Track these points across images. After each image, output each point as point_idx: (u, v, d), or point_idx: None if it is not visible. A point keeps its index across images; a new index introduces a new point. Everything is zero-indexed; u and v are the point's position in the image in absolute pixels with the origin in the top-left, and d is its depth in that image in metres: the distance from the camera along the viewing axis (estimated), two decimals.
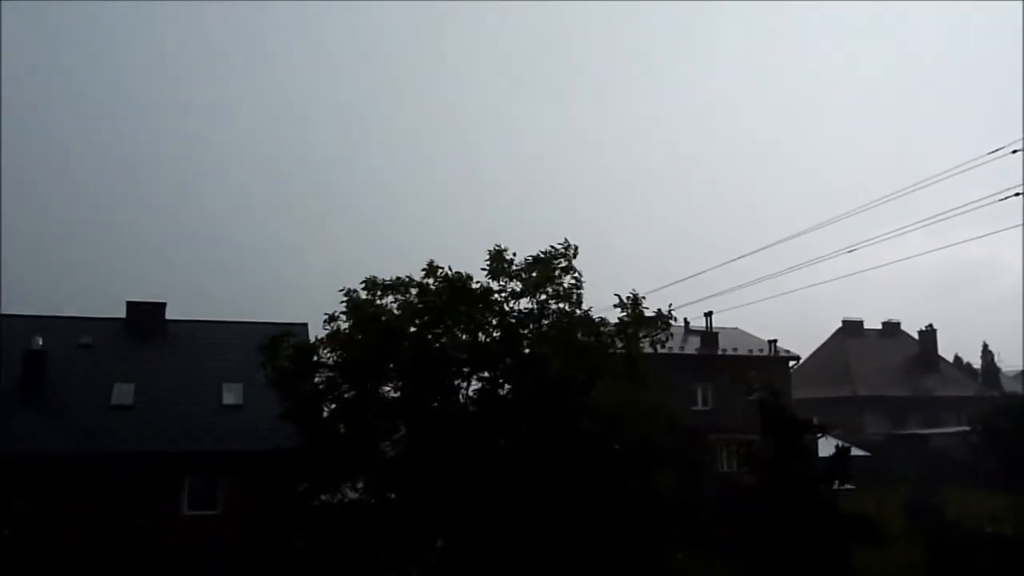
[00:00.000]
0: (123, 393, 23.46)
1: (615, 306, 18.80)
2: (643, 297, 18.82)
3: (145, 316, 27.31)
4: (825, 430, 16.21)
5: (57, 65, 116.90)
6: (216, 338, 27.07)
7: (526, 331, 18.72)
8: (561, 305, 18.91)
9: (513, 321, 18.67)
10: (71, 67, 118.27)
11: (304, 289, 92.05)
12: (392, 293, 18.77)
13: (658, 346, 19.10)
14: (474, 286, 18.36)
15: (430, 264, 18.52)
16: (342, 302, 18.56)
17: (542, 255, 18.78)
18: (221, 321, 28.48)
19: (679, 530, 18.65)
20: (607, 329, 18.84)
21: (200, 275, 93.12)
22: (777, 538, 14.16)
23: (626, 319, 18.72)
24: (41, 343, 23.51)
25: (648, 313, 18.84)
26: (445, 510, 16.91)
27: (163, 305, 27.96)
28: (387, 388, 18.93)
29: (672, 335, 19.78)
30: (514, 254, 18.86)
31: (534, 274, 18.54)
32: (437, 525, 17.11)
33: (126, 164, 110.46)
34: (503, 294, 18.70)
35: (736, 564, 16.94)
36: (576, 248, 18.81)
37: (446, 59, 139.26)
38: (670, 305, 19.01)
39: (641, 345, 19.04)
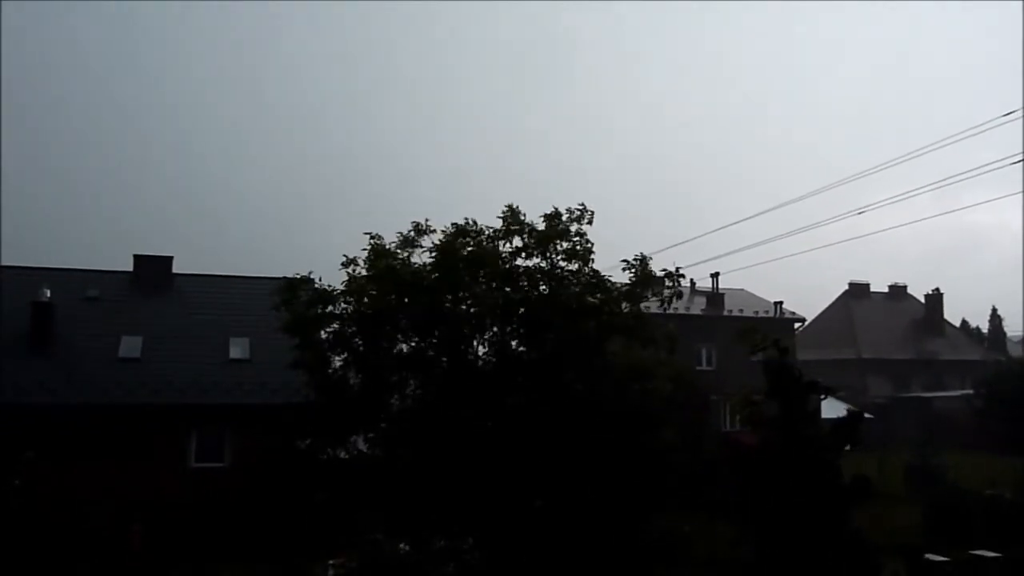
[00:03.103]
0: (131, 346, 23.54)
1: (623, 268, 18.72)
2: (650, 258, 18.72)
3: (152, 269, 27.29)
4: (832, 392, 15.97)
5: (61, 17, 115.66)
6: (223, 292, 27.10)
7: (537, 289, 18.67)
8: (572, 265, 18.82)
9: (524, 279, 18.60)
10: (76, 20, 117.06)
11: (312, 247, 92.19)
12: (414, 247, 18.65)
13: (667, 305, 19.00)
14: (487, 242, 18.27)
15: (466, 221, 18.42)
16: (364, 248, 18.43)
17: (553, 211, 18.66)
18: (228, 275, 28.44)
19: (682, 491, 18.71)
20: (615, 286, 18.78)
21: (207, 229, 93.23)
22: (776, 499, 14.13)
23: (634, 279, 18.64)
24: (49, 295, 23.49)
25: (658, 273, 18.75)
26: (456, 465, 16.97)
27: (170, 259, 27.93)
28: (399, 341, 18.92)
29: (682, 293, 19.67)
30: (524, 214, 18.74)
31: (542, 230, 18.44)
32: (448, 480, 17.19)
33: (133, 118, 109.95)
34: (518, 256, 18.59)
35: (736, 527, 16.99)
36: (592, 213, 18.69)
37: (449, 47, 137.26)
38: (676, 267, 18.88)
39: (647, 305, 18.99)
